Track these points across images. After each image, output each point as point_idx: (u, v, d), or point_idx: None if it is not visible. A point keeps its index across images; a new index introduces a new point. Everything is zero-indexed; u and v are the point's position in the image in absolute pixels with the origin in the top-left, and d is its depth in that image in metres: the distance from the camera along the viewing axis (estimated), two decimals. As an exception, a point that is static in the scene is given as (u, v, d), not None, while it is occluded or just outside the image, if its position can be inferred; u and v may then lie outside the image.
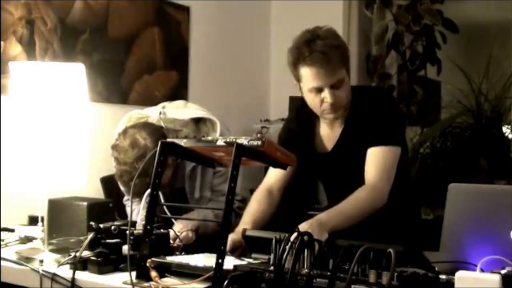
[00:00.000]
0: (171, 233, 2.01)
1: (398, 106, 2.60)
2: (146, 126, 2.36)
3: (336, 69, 2.15)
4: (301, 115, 2.39)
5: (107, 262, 1.84)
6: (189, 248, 2.05)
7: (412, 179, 2.54)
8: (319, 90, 2.17)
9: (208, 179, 2.50)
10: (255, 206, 2.26)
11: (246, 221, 2.17)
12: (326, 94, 2.16)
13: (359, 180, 2.17)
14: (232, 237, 2.03)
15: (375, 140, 2.19)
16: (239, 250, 2.03)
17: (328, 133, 2.33)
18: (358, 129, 2.24)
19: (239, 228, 2.10)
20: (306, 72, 2.15)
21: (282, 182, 2.35)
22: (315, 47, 2.12)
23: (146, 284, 1.68)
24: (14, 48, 2.85)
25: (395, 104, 2.43)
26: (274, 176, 2.35)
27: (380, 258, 1.46)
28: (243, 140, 1.65)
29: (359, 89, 2.38)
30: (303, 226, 1.89)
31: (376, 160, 2.18)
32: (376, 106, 2.25)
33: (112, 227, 1.91)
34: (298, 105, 2.41)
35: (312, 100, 2.22)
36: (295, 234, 1.58)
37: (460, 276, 1.45)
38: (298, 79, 2.20)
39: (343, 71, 2.18)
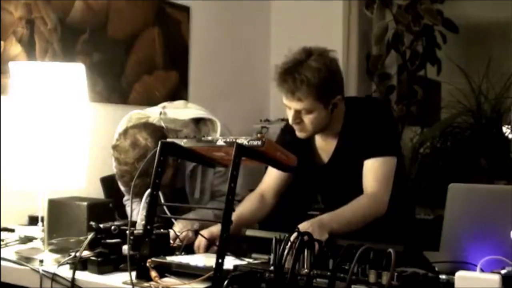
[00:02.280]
0: (171, 233, 2.02)
1: (392, 115, 2.60)
2: (147, 126, 2.36)
3: (302, 100, 2.13)
4: None
5: (107, 262, 1.84)
6: (189, 248, 2.05)
7: (411, 180, 2.54)
8: (288, 107, 2.18)
9: (208, 179, 2.50)
10: (245, 205, 2.31)
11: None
12: (289, 114, 2.19)
13: (357, 192, 2.18)
14: (211, 230, 2.07)
15: (371, 151, 2.20)
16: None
17: (324, 145, 2.34)
18: (353, 141, 2.25)
19: None
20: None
21: (277, 189, 2.37)
22: (288, 76, 2.12)
23: (146, 284, 1.68)
24: (14, 48, 2.85)
25: (388, 114, 2.43)
26: (268, 182, 2.37)
27: (380, 258, 1.46)
28: (243, 140, 1.66)
29: (352, 100, 2.38)
30: (303, 226, 1.89)
31: (374, 172, 2.19)
32: (370, 118, 2.25)
33: (112, 227, 1.91)
34: None
35: (288, 114, 2.22)
36: (295, 234, 1.58)
37: (460, 276, 1.45)
38: None
39: (314, 103, 2.14)
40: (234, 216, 2.11)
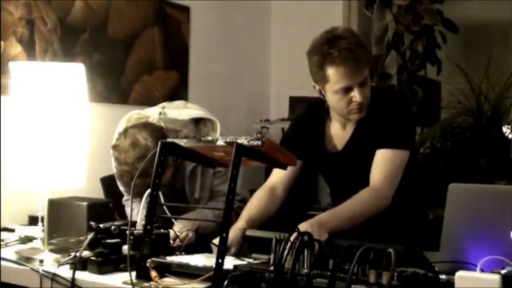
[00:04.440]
0: (171, 233, 2.02)
1: (411, 110, 2.57)
2: (147, 126, 2.36)
3: (363, 67, 2.14)
4: (311, 114, 2.37)
5: (107, 262, 1.84)
6: (189, 248, 2.05)
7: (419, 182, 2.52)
8: (347, 90, 2.14)
9: (208, 179, 2.50)
10: (254, 203, 2.25)
11: (242, 218, 2.16)
12: (355, 93, 2.14)
13: (367, 181, 2.16)
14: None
15: (384, 142, 2.17)
16: (235, 247, 2.03)
17: (339, 132, 2.30)
18: (370, 130, 2.22)
19: (235, 225, 2.10)
20: (335, 72, 2.12)
21: (288, 181, 2.32)
22: (341, 45, 2.10)
23: (146, 284, 1.68)
24: (14, 48, 2.85)
25: (408, 108, 2.40)
26: (279, 175, 2.32)
27: (380, 258, 1.46)
28: (243, 140, 1.65)
29: (377, 90, 2.34)
30: (303, 226, 1.89)
31: (383, 163, 2.16)
32: (389, 109, 2.23)
33: (112, 227, 1.91)
34: (308, 104, 2.39)
35: (338, 101, 2.18)
36: (295, 234, 1.58)
37: (460, 276, 1.45)
38: (323, 80, 2.16)
39: (368, 69, 2.17)
40: (244, 220, 2.12)
